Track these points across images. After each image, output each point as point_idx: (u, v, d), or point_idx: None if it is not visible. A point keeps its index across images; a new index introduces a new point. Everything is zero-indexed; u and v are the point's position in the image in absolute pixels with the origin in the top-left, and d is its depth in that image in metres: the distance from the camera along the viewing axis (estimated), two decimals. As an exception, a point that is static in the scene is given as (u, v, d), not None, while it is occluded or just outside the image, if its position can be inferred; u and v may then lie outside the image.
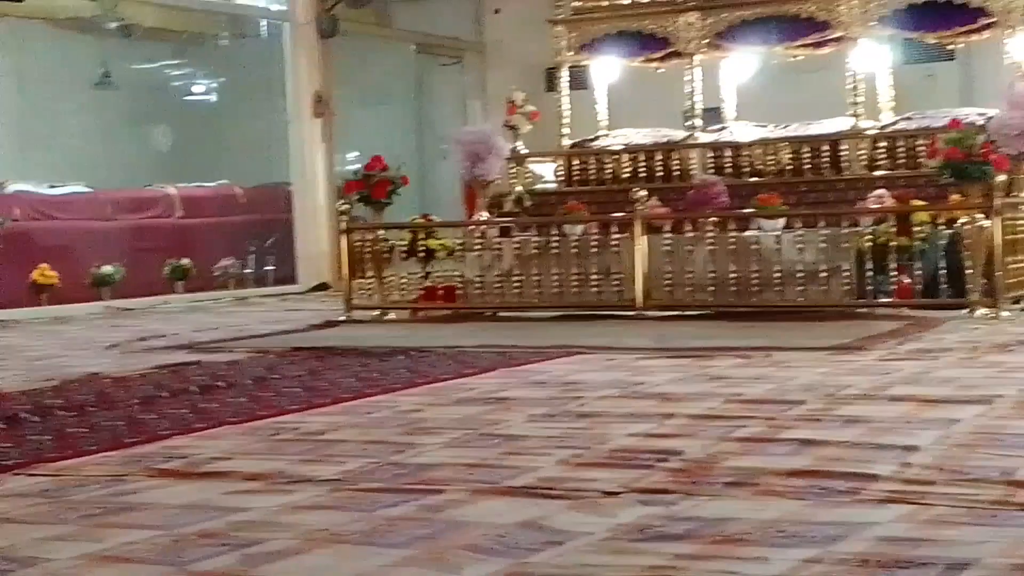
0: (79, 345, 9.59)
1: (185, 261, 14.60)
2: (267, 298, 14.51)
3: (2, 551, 3.40)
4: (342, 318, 10.76)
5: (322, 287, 15.27)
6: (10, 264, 12.64)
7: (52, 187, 14.60)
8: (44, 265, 13.07)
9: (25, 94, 16.48)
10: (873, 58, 12.11)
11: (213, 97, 19.40)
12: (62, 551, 3.38)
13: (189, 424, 5.43)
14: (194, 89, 19.39)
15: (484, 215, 11.35)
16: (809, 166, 11.81)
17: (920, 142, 11.33)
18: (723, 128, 13.11)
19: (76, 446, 4.95)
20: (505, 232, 11.11)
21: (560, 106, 12.98)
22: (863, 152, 11.66)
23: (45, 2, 14.71)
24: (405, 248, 11.14)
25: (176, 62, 19.12)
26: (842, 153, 11.73)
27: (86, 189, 15.00)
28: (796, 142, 12.03)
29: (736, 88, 13.66)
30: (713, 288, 9.87)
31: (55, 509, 3.89)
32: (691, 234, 10.06)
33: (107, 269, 13.67)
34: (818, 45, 12.61)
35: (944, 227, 9.65)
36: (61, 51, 16.90)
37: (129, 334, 10.15)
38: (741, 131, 12.86)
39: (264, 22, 16.81)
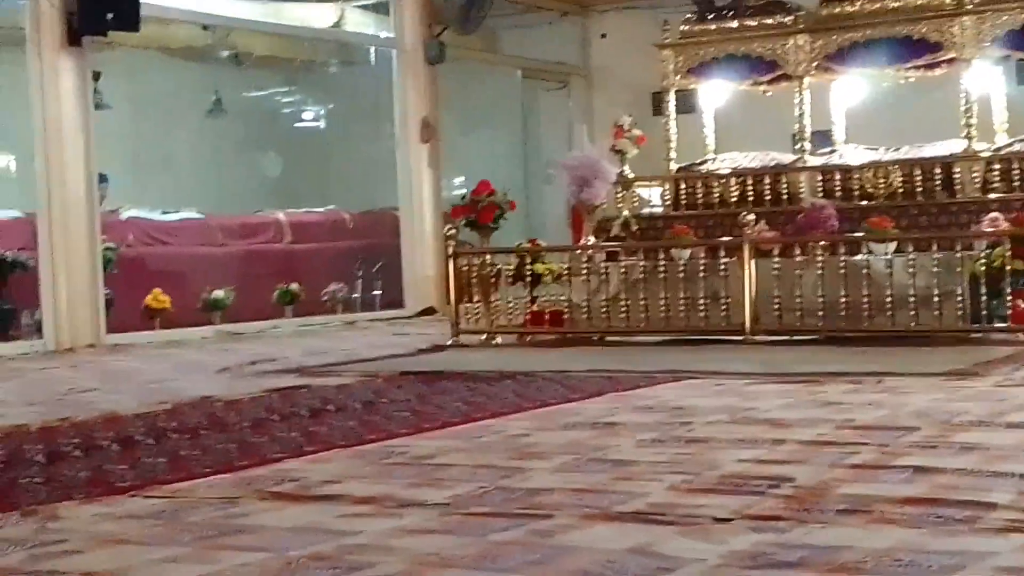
0: (191, 369, 9.72)
1: (294, 286, 14.74)
2: (375, 322, 14.61)
3: (117, 572, 3.45)
4: (449, 342, 10.80)
5: (429, 311, 15.34)
6: (124, 289, 12.85)
7: (165, 213, 14.84)
8: (157, 290, 13.26)
9: (139, 122, 16.78)
10: (987, 79, 11.93)
11: (322, 123, 19.65)
12: (176, 572, 3.42)
13: (300, 447, 5.47)
14: (303, 116, 19.66)
15: (591, 239, 11.34)
16: (921, 189, 11.68)
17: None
18: (833, 151, 13.00)
19: (189, 468, 5.02)
20: (612, 256, 11.09)
21: (667, 130, 12.95)
22: (977, 174, 11.49)
23: (159, 32, 14.96)
24: (512, 273, 11.14)
25: (286, 89, 19.41)
26: (955, 175, 11.58)
27: (198, 215, 15.23)
28: (908, 164, 11.91)
29: (846, 110, 13.53)
30: (823, 313, 9.74)
31: (169, 531, 3.94)
32: (800, 258, 9.95)
33: (218, 294, 13.84)
34: (930, 67, 12.45)
35: (1061, 250, 9.46)
36: (174, 79, 17.22)
37: (240, 358, 10.27)
38: (851, 154, 12.73)
39: (372, 49, 16.98)
